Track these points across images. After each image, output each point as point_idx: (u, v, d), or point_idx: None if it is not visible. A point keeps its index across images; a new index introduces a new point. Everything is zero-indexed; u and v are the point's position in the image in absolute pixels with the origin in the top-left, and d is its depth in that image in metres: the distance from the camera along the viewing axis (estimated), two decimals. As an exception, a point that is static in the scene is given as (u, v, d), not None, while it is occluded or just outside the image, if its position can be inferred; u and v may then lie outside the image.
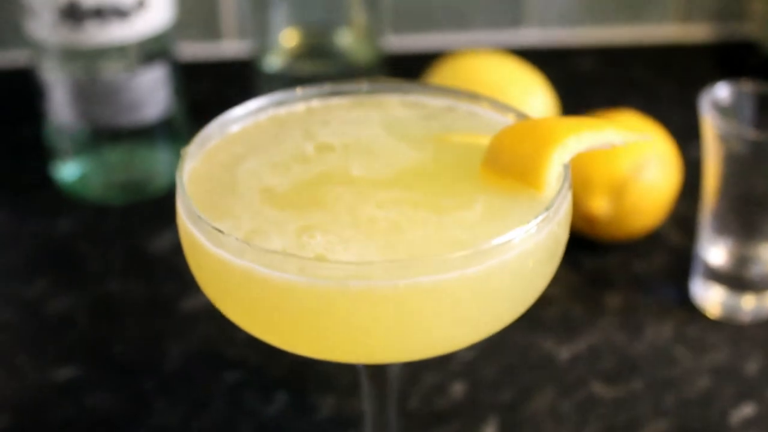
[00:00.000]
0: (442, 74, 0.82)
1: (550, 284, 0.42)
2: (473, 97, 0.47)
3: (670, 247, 0.75)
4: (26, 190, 0.83)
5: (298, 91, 0.47)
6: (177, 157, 0.82)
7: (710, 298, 0.68)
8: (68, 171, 0.81)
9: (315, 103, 0.48)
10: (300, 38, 0.87)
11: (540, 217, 0.38)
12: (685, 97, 0.96)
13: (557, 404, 0.62)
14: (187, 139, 0.83)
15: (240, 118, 0.47)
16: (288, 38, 0.87)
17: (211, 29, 1.03)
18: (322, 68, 0.87)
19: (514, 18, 1.06)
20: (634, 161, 0.71)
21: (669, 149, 0.74)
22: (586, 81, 1.00)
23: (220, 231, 0.38)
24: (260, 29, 0.86)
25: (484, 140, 0.44)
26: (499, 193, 0.41)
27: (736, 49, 1.05)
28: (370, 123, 0.46)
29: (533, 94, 0.81)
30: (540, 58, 0.91)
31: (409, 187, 0.42)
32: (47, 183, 0.83)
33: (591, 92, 0.97)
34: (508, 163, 0.41)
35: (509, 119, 0.46)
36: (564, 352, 0.66)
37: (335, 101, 0.48)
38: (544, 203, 0.40)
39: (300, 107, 0.48)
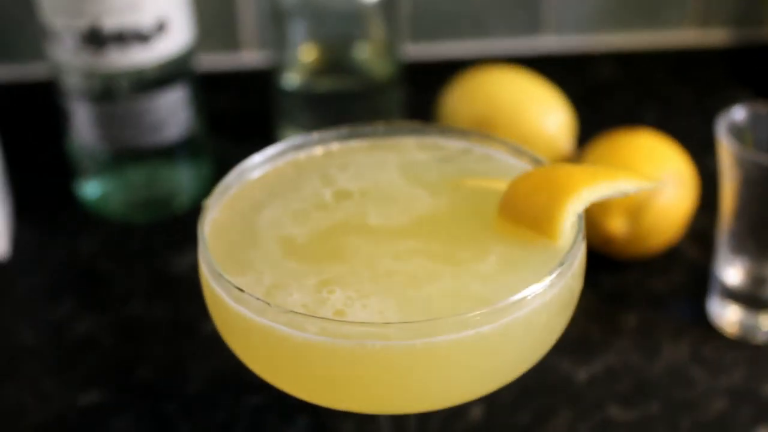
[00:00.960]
0: (460, 91, 0.82)
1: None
2: (488, 139, 0.48)
3: (687, 264, 0.75)
4: (49, 209, 0.83)
5: (316, 135, 0.48)
6: (199, 175, 0.83)
7: (727, 317, 0.69)
8: (91, 189, 0.82)
9: (333, 145, 0.49)
10: (318, 53, 0.88)
11: (554, 274, 0.39)
12: (703, 104, 0.96)
13: (574, 427, 0.62)
14: (208, 156, 0.84)
15: (259, 165, 0.47)
16: (306, 53, 0.87)
17: (230, 39, 1.03)
18: (340, 84, 0.87)
19: (532, 25, 1.06)
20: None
21: (686, 167, 0.74)
22: (603, 89, 1.00)
23: (240, 290, 0.39)
24: (278, 45, 0.87)
25: (500, 185, 0.45)
26: (514, 242, 0.41)
27: (755, 54, 1.05)
28: (387, 167, 0.47)
29: (550, 110, 0.81)
30: (558, 66, 0.91)
31: (425, 236, 0.42)
32: (70, 201, 0.83)
33: (608, 101, 0.97)
34: (523, 212, 0.42)
35: (524, 163, 0.47)
36: (581, 374, 0.66)
37: (353, 144, 0.49)
38: (559, 254, 0.41)
39: (318, 150, 0.48)
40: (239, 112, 0.96)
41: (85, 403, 0.65)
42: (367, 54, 0.88)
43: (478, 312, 0.37)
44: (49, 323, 0.71)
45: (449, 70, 0.89)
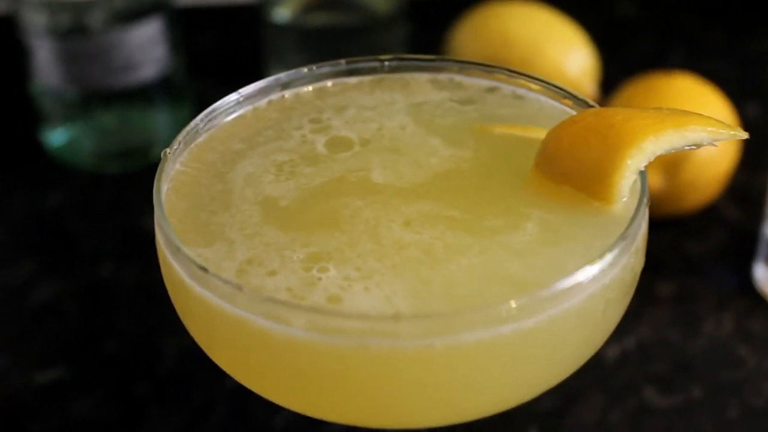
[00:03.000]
0: (471, 28, 0.74)
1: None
2: (519, 75, 0.39)
3: (727, 225, 0.67)
4: (10, 159, 0.76)
5: (307, 69, 0.39)
6: (177, 121, 0.75)
7: (777, 285, 0.61)
8: (57, 136, 0.74)
9: (327, 83, 0.40)
10: (312, -15, 0.79)
11: (615, 250, 0.30)
12: (735, 47, 0.87)
13: (605, 414, 0.54)
14: (188, 99, 0.76)
15: (235, 105, 0.38)
16: (299, -17, 0.78)
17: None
18: (337, 19, 0.78)
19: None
20: (691, 130, 0.63)
21: (727, 111, 0.66)
22: (626, 28, 0.91)
23: (204, 269, 0.30)
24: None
25: (536, 133, 0.36)
26: (556, 206, 0.33)
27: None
28: (394, 109, 0.38)
29: (572, 49, 0.73)
30: (575, 3, 0.82)
31: (444, 198, 0.33)
32: (34, 150, 0.75)
33: (630, 41, 0.88)
34: (568, 169, 0.33)
35: (564, 106, 0.38)
36: (611, 351, 0.58)
37: (353, 81, 0.40)
38: (616, 222, 0.32)
39: (309, 89, 0.39)
40: (224, 51, 0.88)
41: (44, 381, 0.58)
42: (367, -15, 0.79)
43: (516, 301, 0.28)
44: (5, 288, 0.64)
45: (456, 4, 0.80)
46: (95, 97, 0.72)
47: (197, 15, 0.90)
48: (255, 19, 0.84)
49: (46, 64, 0.71)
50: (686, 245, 0.66)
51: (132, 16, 0.69)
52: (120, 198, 0.72)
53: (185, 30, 0.76)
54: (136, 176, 0.73)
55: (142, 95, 0.73)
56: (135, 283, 0.64)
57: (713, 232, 0.67)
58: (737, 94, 0.74)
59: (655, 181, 0.63)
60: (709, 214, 0.68)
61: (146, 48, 0.71)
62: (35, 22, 0.69)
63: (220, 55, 0.87)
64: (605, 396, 0.55)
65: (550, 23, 0.73)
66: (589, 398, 0.55)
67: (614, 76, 0.76)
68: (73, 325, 0.61)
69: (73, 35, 0.69)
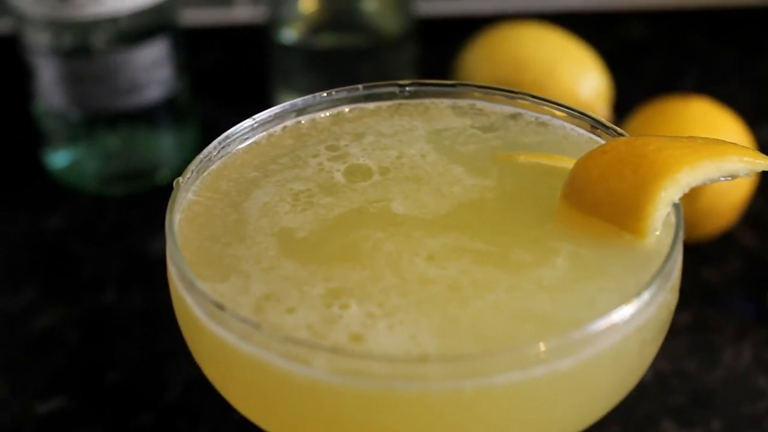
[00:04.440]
0: (483, 50, 0.73)
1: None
2: (543, 101, 0.38)
3: (745, 252, 0.66)
4: (12, 180, 0.74)
5: (323, 95, 0.38)
6: (182, 143, 0.74)
7: (796, 315, 0.59)
8: (60, 158, 0.73)
9: (344, 108, 0.38)
10: (319, 5, 0.78)
11: (652, 287, 0.29)
12: (749, 68, 0.86)
13: (624, 448, 0.53)
14: (192, 121, 0.74)
15: (250, 132, 0.37)
16: (306, 5, 0.77)
17: (221, -8, 0.93)
18: (345, 40, 0.77)
19: (557, -21, 0.95)
20: (709, 156, 0.61)
21: (743, 138, 0.64)
22: (638, 50, 0.90)
23: (220, 307, 0.28)
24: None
25: (561, 162, 0.34)
26: (586, 240, 0.31)
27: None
28: (414, 136, 0.37)
29: (585, 72, 0.72)
30: (585, 25, 0.81)
31: (469, 230, 0.32)
32: (36, 172, 0.74)
33: (641, 64, 0.87)
34: (599, 201, 0.31)
35: (592, 134, 0.37)
36: (628, 382, 0.56)
37: (370, 106, 0.38)
38: (648, 257, 0.31)
39: (325, 115, 0.38)
40: (230, 73, 0.86)
41: (45, 411, 0.56)
42: (375, 6, 0.78)
43: (549, 343, 0.27)
44: (5, 314, 0.62)
45: (467, 27, 0.79)
46: (99, 118, 0.71)
47: (202, 34, 0.89)
48: (260, 38, 0.83)
49: (49, 85, 0.70)
50: (703, 272, 0.64)
51: (137, 37, 0.68)
52: (124, 221, 0.70)
53: (190, 49, 0.75)
54: (140, 199, 0.72)
55: (146, 117, 0.72)
56: (139, 309, 0.63)
57: (730, 259, 0.65)
58: (751, 116, 0.73)
59: (672, 207, 0.62)
60: (726, 241, 0.67)
61: (151, 69, 0.69)
62: (39, 42, 0.68)
63: (225, 76, 0.86)
64: (623, 430, 0.54)
65: (562, 46, 0.72)
66: (605, 431, 0.54)
67: (627, 99, 0.74)
68: (75, 354, 0.60)
69: (77, 56, 0.68)
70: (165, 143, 0.73)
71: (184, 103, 0.73)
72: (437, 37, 0.85)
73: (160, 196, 0.71)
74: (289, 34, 0.77)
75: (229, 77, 0.86)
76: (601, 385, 0.29)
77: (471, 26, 0.79)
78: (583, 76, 0.71)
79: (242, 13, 0.94)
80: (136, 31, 0.68)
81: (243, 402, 0.31)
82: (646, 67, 0.87)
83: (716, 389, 0.56)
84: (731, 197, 0.63)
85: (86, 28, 0.67)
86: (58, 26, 0.67)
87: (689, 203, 0.62)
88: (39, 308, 0.63)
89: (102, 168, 0.73)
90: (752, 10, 0.96)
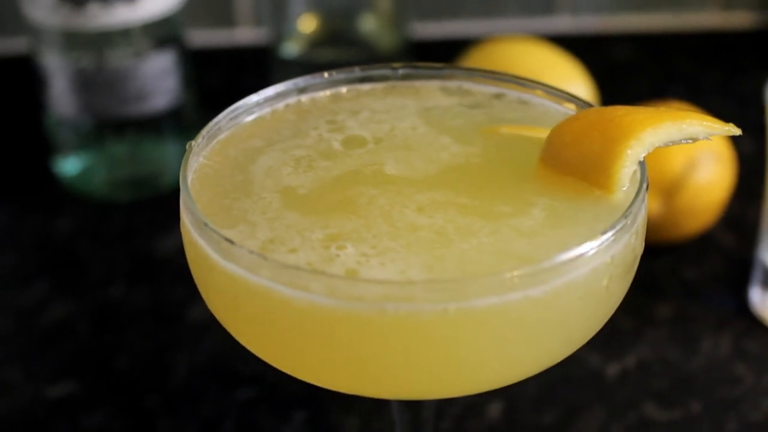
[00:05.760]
0: (473, 62, 0.75)
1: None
2: (524, 82, 0.41)
3: (723, 251, 0.69)
4: (25, 186, 0.77)
5: (323, 75, 0.41)
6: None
7: (772, 307, 0.62)
8: (70, 165, 0.75)
9: (342, 89, 0.42)
10: (320, 24, 0.81)
11: (618, 226, 0.32)
12: (730, 87, 0.90)
13: (606, 427, 0.55)
14: (197, 131, 0.77)
15: (255, 107, 0.40)
16: (307, 24, 0.81)
17: (224, 15, 0.97)
18: (343, 56, 0.80)
19: (547, 4, 0.99)
20: (687, 158, 0.65)
21: (723, 143, 0.68)
22: (624, 71, 0.93)
23: (230, 241, 0.32)
24: (277, 14, 0.80)
25: (540, 133, 0.38)
26: (560, 195, 0.34)
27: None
28: (406, 112, 0.40)
29: (572, 83, 0.75)
30: (574, 47, 0.84)
31: (454, 187, 0.35)
32: (47, 179, 0.77)
33: (630, 82, 0.91)
34: (572, 161, 0.35)
35: (568, 109, 0.40)
36: (611, 369, 0.59)
37: (366, 87, 0.42)
38: (617, 208, 0.34)
39: (325, 94, 0.41)
40: (233, 89, 0.89)
41: (56, 395, 0.58)
42: (372, 25, 0.82)
43: (525, 270, 0.30)
44: (18, 309, 0.65)
45: (459, 49, 0.82)
46: (108, 126, 0.73)
47: (206, 54, 0.93)
48: (262, 58, 0.86)
49: (61, 94, 0.72)
50: (684, 270, 0.67)
51: (146, 47, 0.71)
52: (130, 224, 0.73)
53: (196, 69, 0.78)
54: (146, 204, 0.75)
55: (153, 125, 0.74)
56: (145, 305, 0.65)
57: (710, 258, 0.68)
58: (732, 129, 0.76)
59: (653, 206, 0.65)
60: (706, 241, 0.69)
61: (159, 78, 0.72)
62: (52, 51, 0.70)
63: (228, 92, 0.89)
64: (606, 410, 0.56)
65: (550, 59, 0.75)
66: (590, 412, 0.56)
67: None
68: (84, 343, 0.62)
69: (88, 65, 0.71)
70: (170, 151, 0.76)
71: (189, 114, 0.76)
72: (430, 56, 0.88)
73: (165, 201, 0.75)
74: (290, 49, 0.80)
75: (233, 93, 0.89)
76: (573, 315, 0.32)
77: (464, 47, 0.82)
78: (570, 87, 0.74)
79: (245, 35, 0.98)
80: (145, 42, 0.71)
81: (249, 334, 0.34)
82: (632, 87, 0.91)
83: (696, 375, 0.59)
84: (709, 198, 0.66)
85: (98, 38, 0.70)
86: (72, 37, 0.70)
87: (669, 202, 0.65)
88: (50, 302, 0.65)
89: (110, 174, 0.75)
90: (734, 34, 1.00)
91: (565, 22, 1.00)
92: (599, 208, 0.34)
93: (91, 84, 0.71)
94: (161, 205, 0.75)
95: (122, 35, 0.70)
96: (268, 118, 0.40)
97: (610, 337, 0.61)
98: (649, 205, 0.64)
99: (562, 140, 0.35)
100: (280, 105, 0.41)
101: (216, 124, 0.39)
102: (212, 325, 0.62)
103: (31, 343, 0.62)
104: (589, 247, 0.31)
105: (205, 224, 0.32)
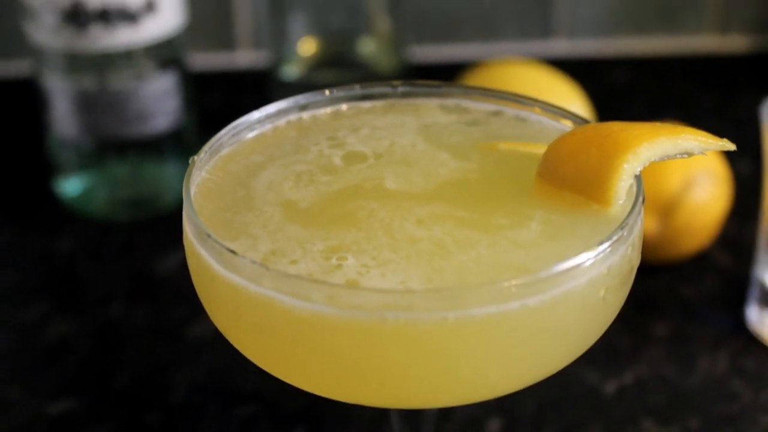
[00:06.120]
0: (472, 83, 0.76)
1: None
2: (522, 99, 0.42)
3: (720, 270, 0.69)
4: (26, 206, 0.77)
5: (324, 93, 0.42)
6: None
7: (769, 326, 0.62)
8: (71, 186, 0.76)
9: (343, 106, 0.42)
10: (319, 47, 0.82)
11: (614, 237, 0.33)
12: (727, 109, 0.91)
13: (605, 445, 0.56)
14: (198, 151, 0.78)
15: (257, 123, 0.41)
16: (306, 47, 0.82)
17: (224, 39, 0.98)
18: (342, 78, 0.81)
19: (544, 28, 1.00)
20: (684, 177, 0.65)
21: (720, 163, 0.68)
22: (621, 93, 0.94)
23: (232, 252, 0.32)
24: (277, 37, 0.81)
25: (537, 149, 0.38)
26: (558, 209, 0.35)
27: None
28: (405, 129, 0.41)
29: (570, 105, 0.75)
30: (572, 70, 0.85)
31: (453, 201, 0.36)
32: (49, 199, 0.77)
33: (628, 104, 0.92)
34: (569, 175, 0.35)
35: (565, 125, 0.41)
36: (609, 386, 0.60)
37: (366, 105, 0.42)
38: (613, 221, 0.34)
39: (326, 111, 0.42)
40: (233, 111, 0.89)
41: (56, 412, 0.58)
42: (371, 48, 0.83)
43: (523, 280, 0.31)
44: (18, 326, 0.65)
45: (457, 71, 0.83)
46: (109, 147, 0.74)
47: (207, 77, 0.93)
48: (262, 80, 0.87)
49: (64, 115, 0.73)
50: (681, 289, 0.68)
51: (148, 69, 0.72)
52: (130, 244, 0.73)
53: (196, 91, 0.79)
54: (146, 224, 0.75)
55: (154, 147, 0.75)
56: (145, 323, 0.65)
57: (707, 277, 0.69)
58: (731, 152, 0.77)
59: (650, 225, 0.65)
60: (703, 261, 0.70)
61: (160, 100, 0.73)
62: (54, 71, 0.71)
63: (228, 114, 0.89)
64: (604, 427, 0.57)
65: (548, 82, 0.76)
66: (588, 429, 0.57)
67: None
68: (85, 361, 0.62)
69: (89, 87, 0.71)
70: (171, 172, 0.76)
71: (189, 135, 0.77)
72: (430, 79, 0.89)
73: (165, 221, 0.75)
74: (290, 72, 0.81)
75: (233, 115, 0.89)
76: (570, 325, 0.33)
77: (462, 70, 0.83)
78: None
79: (245, 57, 0.98)
80: (147, 64, 0.72)
81: (250, 345, 0.34)
82: (629, 110, 0.92)
83: (693, 392, 0.59)
84: (706, 217, 0.66)
85: (100, 60, 0.71)
86: (74, 59, 0.71)
87: (666, 222, 0.65)
88: (50, 321, 0.65)
89: (111, 195, 0.76)
90: (730, 57, 1.01)
91: (562, 46, 1.01)
92: (596, 221, 0.34)
93: (93, 105, 0.72)
94: (161, 225, 0.75)
95: (124, 57, 0.71)
96: (270, 135, 0.41)
97: (608, 354, 0.62)
98: (646, 224, 0.65)
99: (559, 155, 0.36)
100: (282, 121, 0.41)
101: (218, 139, 0.39)
102: (212, 342, 0.63)
103: (32, 360, 0.63)
104: (586, 257, 0.32)
105: (208, 235, 0.33)
